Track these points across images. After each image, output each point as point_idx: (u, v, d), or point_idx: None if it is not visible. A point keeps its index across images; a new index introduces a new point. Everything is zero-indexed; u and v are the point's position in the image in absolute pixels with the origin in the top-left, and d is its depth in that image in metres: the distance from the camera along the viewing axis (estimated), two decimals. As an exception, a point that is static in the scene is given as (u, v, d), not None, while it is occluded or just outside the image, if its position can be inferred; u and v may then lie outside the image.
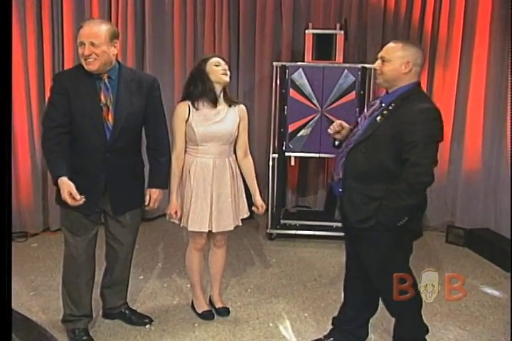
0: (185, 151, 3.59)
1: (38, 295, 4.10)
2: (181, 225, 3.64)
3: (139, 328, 3.69)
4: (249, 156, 3.76)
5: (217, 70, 3.51)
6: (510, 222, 4.54)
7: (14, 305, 3.90)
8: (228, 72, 3.54)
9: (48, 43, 4.98)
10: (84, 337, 3.49)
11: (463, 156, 5.34)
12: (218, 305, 3.90)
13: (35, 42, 4.93)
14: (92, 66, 3.14)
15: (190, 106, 3.53)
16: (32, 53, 4.94)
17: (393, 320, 3.70)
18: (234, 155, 3.69)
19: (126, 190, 3.37)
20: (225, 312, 3.88)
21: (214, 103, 3.54)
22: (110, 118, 3.22)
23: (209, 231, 3.67)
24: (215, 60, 3.54)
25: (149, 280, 4.39)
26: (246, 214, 3.78)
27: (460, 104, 5.34)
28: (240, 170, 3.72)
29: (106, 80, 3.22)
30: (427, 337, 3.36)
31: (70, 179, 3.10)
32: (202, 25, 5.48)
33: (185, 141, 3.57)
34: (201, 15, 5.46)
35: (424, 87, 5.39)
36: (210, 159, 3.55)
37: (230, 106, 3.60)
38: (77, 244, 3.37)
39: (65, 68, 4.99)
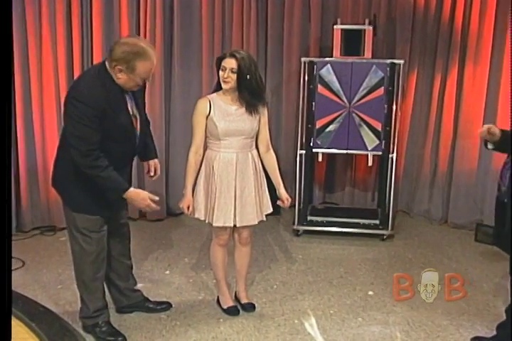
0: (207, 146, 3.60)
1: (65, 289, 4.14)
2: (206, 221, 3.64)
3: (165, 322, 3.71)
4: (272, 150, 3.74)
5: (221, 75, 3.49)
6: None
7: (42, 298, 3.99)
8: (230, 79, 3.45)
9: (78, 42, 5.01)
10: (112, 329, 3.54)
11: (492, 153, 5.25)
12: (244, 300, 3.90)
13: (64, 41, 4.95)
14: None
15: (211, 102, 3.53)
16: (62, 53, 4.97)
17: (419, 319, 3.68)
18: (256, 150, 3.68)
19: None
20: (250, 307, 3.88)
21: (229, 101, 3.55)
22: (138, 126, 3.37)
23: (234, 227, 3.68)
24: (224, 63, 3.47)
25: (175, 276, 4.41)
26: (269, 210, 3.77)
27: (490, 101, 5.25)
28: (263, 165, 3.71)
29: (129, 92, 3.29)
30: (451, 336, 3.32)
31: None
32: (230, 21, 5.46)
33: (205, 136, 3.58)
34: (229, 11, 5.44)
35: (453, 83, 5.37)
36: (233, 153, 3.55)
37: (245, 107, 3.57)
38: (101, 238, 3.43)
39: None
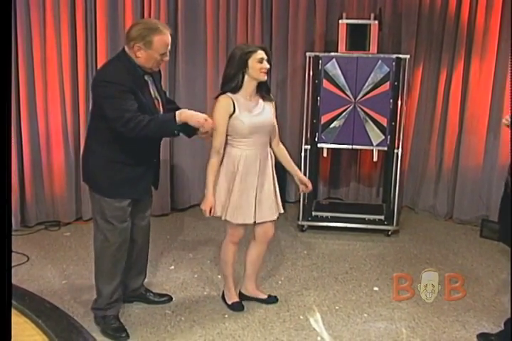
0: (230, 144, 3.53)
1: (69, 284, 4.14)
2: (223, 218, 3.59)
3: (170, 318, 3.71)
4: (281, 144, 3.79)
5: (260, 68, 3.45)
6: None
7: (46, 294, 3.99)
8: (268, 69, 3.50)
9: (82, 39, 4.97)
10: (117, 324, 3.55)
11: (499, 149, 5.24)
12: (262, 296, 3.92)
13: (69, 42, 4.93)
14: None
15: (233, 99, 3.48)
16: (66, 53, 4.95)
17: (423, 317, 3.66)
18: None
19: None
20: (273, 299, 3.92)
21: (249, 97, 3.53)
22: (161, 109, 3.44)
23: (257, 225, 3.68)
24: (260, 54, 3.45)
25: (180, 271, 4.40)
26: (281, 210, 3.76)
27: (496, 96, 5.22)
28: (276, 158, 3.72)
29: (149, 75, 3.39)
30: (457, 332, 3.30)
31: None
32: (234, 16, 5.44)
33: (227, 135, 3.50)
34: (234, 6, 5.42)
35: (459, 78, 5.34)
36: (257, 150, 3.54)
37: (262, 99, 3.60)
38: (125, 229, 3.47)
39: (99, 67, 4.99)
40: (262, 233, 3.73)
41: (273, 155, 3.68)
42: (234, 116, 3.46)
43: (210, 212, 3.53)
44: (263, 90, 3.58)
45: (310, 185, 3.78)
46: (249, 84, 3.50)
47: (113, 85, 3.17)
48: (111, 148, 3.32)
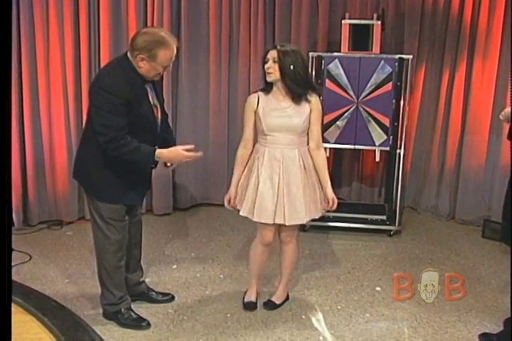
0: (258, 141, 3.62)
1: (72, 283, 4.15)
2: (241, 214, 3.61)
3: (172, 317, 3.72)
4: (322, 148, 3.65)
5: (265, 68, 3.49)
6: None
7: (49, 293, 3.99)
8: (272, 70, 3.43)
9: (85, 39, 4.97)
10: (134, 315, 3.62)
11: (501, 149, 5.23)
12: (272, 298, 3.91)
13: (72, 42, 4.93)
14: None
15: (260, 97, 3.54)
16: (69, 53, 4.95)
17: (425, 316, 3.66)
18: (306, 147, 3.60)
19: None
20: (268, 305, 3.87)
21: (282, 97, 3.52)
22: (159, 115, 3.47)
23: (280, 225, 3.65)
24: (268, 54, 3.48)
25: (182, 270, 4.41)
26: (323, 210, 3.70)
27: (499, 96, 5.22)
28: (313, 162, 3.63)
29: (148, 82, 3.39)
30: (459, 332, 3.30)
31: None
32: (237, 15, 5.44)
33: (255, 131, 3.60)
34: (236, 6, 5.42)
35: (462, 78, 5.33)
36: (278, 149, 3.52)
37: (294, 102, 3.52)
38: (123, 227, 3.52)
39: (102, 66, 4.98)
40: (282, 236, 3.74)
41: (309, 158, 3.60)
42: (256, 112, 3.54)
43: (230, 203, 3.63)
44: (293, 92, 3.49)
45: (332, 205, 3.61)
46: (275, 85, 3.53)
47: (108, 96, 3.17)
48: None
